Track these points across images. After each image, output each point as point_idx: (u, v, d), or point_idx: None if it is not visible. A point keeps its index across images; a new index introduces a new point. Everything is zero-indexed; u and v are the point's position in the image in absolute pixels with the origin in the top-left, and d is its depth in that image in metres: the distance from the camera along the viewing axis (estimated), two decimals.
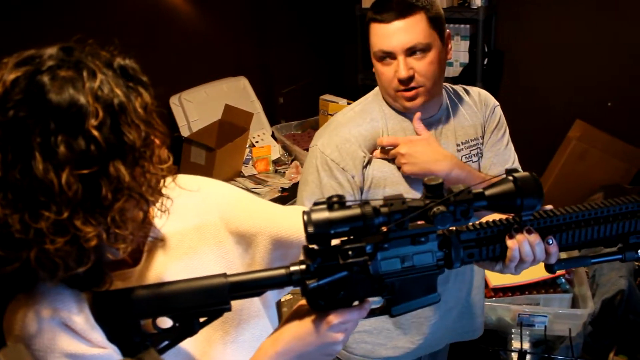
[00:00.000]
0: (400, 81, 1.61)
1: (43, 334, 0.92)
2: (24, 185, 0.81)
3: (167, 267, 1.07)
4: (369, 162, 1.67)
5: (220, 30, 3.63)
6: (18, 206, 0.82)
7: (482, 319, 2.01)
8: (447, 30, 1.70)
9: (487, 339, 2.57)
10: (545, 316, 2.51)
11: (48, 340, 0.92)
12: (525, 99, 3.78)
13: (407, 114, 1.71)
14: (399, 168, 1.66)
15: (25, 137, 0.80)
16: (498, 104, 1.84)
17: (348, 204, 0.90)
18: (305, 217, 0.88)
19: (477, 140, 1.78)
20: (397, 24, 1.57)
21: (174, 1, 3.39)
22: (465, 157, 1.75)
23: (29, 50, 0.87)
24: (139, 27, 3.19)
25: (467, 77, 3.66)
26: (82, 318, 0.94)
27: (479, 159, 1.79)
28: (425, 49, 1.60)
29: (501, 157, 1.81)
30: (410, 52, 1.59)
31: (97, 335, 0.94)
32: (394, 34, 1.58)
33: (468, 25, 3.69)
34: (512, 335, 2.58)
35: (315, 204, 0.90)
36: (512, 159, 1.83)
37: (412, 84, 1.61)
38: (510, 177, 0.98)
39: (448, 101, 1.77)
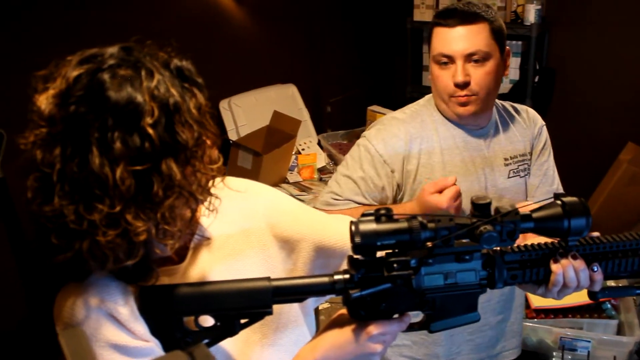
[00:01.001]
0: (456, 85, 1.62)
1: (89, 323, 0.94)
2: (80, 178, 0.84)
3: (211, 267, 1.08)
4: (419, 160, 1.69)
5: (272, 37, 3.68)
6: (74, 198, 0.85)
7: (520, 339, 1.98)
8: (507, 47, 1.71)
9: None
10: (589, 341, 2.45)
11: (93, 329, 0.94)
12: (575, 119, 3.72)
13: (457, 122, 1.72)
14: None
15: (84, 132, 0.83)
16: (544, 124, 1.84)
17: (395, 217, 0.90)
18: (353, 228, 0.89)
19: (525, 156, 1.79)
20: (460, 30, 1.60)
21: (228, 8, 3.45)
22: (513, 172, 1.76)
23: (92, 49, 0.91)
24: (192, 32, 3.25)
25: (517, 94, 3.62)
26: (127, 310, 0.96)
27: (526, 175, 1.79)
28: (484, 58, 1.62)
29: (548, 179, 1.82)
30: (470, 58, 1.61)
31: (141, 327, 0.96)
32: (456, 39, 1.61)
33: (520, 42, 3.66)
34: (553, 359, 2.53)
35: (364, 215, 0.91)
36: (556, 181, 1.84)
37: (466, 91, 1.63)
38: (559, 202, 0.97)
39: (497, 117, 1.78)
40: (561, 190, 1.84)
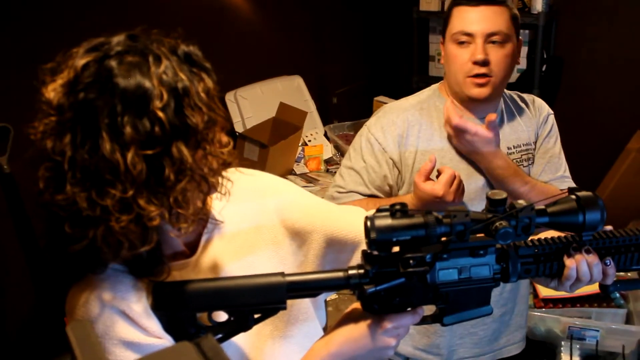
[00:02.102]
0: (476, 63, 1.62)
1: (102, 320, 0.95)
2: (91, 164, 0.84)
3: (222, 260, 1.09)
4: (417, 148, 1.70)
5: (277, 29, 3.67)
6: (86, 184, 0.85)
7: (524, 332, 1.97)
8: (520, 37, 1.72)
9: (535, 351, 2.52)
10: (598, 330, 2.45)
11: (106, 326, 0.95)
12: (583, 108, 3.70)
13: (462, 110, 1.71)
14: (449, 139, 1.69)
15: (94, 118, 0.83)
16: (552, 112, 1.84)
17: (411, 212, 0.90)
18: (369, 223, 0.89)
19: (529, 145, 1.79)
20: (483, 9, 1.62)
21: (233, 1, 3.44)
22: (517, 161, 1.75)
23: (98, 38, 0.91)
24: (198, 23, 3.24)
25: (525, 83, 3.60)
26: (140, 307, 0.97)
27: (530, 164, 1.80)
28: (504, 40, 1.63)
29: (553, 165, 1.81)
30: (489, 39, 1.62)
31: (154, 324, 0.97)
32: (478, 17, 1.62)
33: (527, 31, 3.64)
34: (562, 348, 2.53)
35: (379, 210, 0.90)
36: (563, 168, 1.83)
37: (485, 70, 1.63)
38: (573, 196, 0.97)
39: (503, 106, 1.78)
40: (568, 177, 1.84)
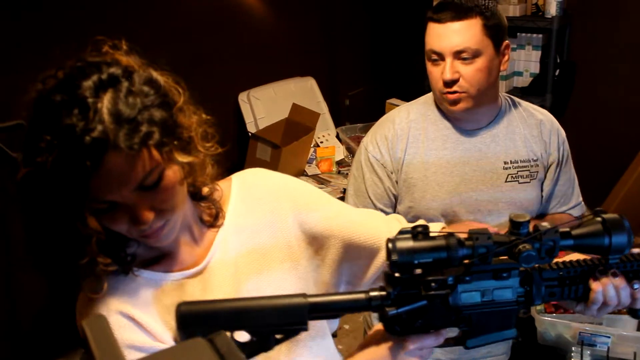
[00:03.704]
0: (445, 83, 1.60)
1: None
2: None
3: (237, 263, 1.09)
4: (403, 161, 1.70)
5: (290, 30, 3.68)
6: None
7: (510, 344, 1.96)
8: (506, 41, 1.67)
9: (545, 356, 2.51)
10: (609, 337, 2.43)
11: (114, 331, 0.96)
12: (596, 112, 3.68)
13: (453, 123, 1.70)
14: None
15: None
16: (565, 138, 1.81)
17: (432, 234, 0.90)
18: (390, 245, 0.89)
19: (528, 162, 1.74)
20: (451, 26, 1.58)
21: (247, 1, 3.45)
22: (512, 177, 1.72)
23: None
24: (212, 25, 3.26)
25: (537, 87, 3.59)
26: (148, 316, 0.99)
27: (525, 182, 1.74)
28: (474, 55, 1.59)
29: (568, 196, 1.82)
30: (459, 55, 1.59)
31: (162, 331, 0.99)
32: (445, 35, 1.59)
33: (540, 35, 3.63)
34: (572, 354, 2.52)
35: (401, 232, 0.90)
36: (576, 193, 1.84)
37: (456, 88, 1.60)
38: (599, 218, 0.95)
39: (508, 116, 1.74)
40: (582, 203, 1.84)
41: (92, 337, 0.63)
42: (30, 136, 0.86)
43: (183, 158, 0.93)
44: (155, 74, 0.94)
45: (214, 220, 1.08)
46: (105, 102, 0.84)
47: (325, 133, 3.60)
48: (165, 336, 0.99)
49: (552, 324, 2.51)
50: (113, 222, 0.91)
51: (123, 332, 0.96)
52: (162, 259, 1.04)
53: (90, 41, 0.93)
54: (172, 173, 0.92)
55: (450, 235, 0.89)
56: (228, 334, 0.98)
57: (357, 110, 4.00)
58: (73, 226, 0.89)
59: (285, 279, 1.12)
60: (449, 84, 1.60)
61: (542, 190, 1.79)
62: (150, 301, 0.99)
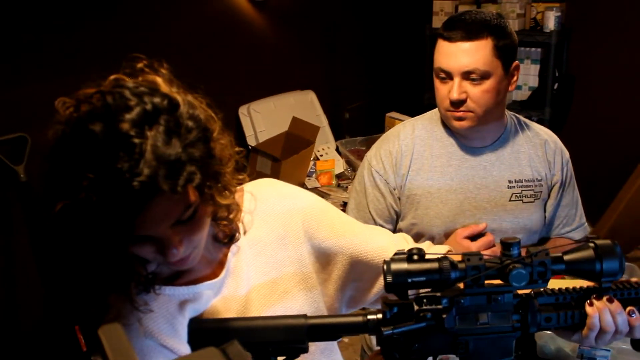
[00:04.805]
0: (451, 103, 1.59)
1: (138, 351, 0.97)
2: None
3: (248, 277, 1.10)
4: (407, 177, 1.70)
5: (291, 44, 3.70)
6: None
7: None
8: (516, 62, 1.66)
9: None
10: (609, 350, 2.42)
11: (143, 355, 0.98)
12: (595, 125, 3.70)
13: (459, 140, 1.70)
14: None
15: None
16: (569, 159, 1.81)
17: (427, 257, 0.92)
18: (385, 267, 0.91)
19: (532, 182, 1.73)
20: (461, 45, 1.56)
21: (247, 15, 3.48)
22: (516, 196, 1.72)
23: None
24: (211, 39, 3.29)
25: (536, 101, 3.61)
26: (175, 340, 1.00)
27: (529, 202, 1.74)
28: (483, 77, 1.57)
29: (571, 217, 1.82)
30: (467, 76, 1.57)
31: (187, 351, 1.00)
32: (455, 55, 1.57)
33: (539, 49, 3.65)
34: None
35: (396, 254, 0.93)
36: (579, 214, 1.83)
37: (462, 108, 1.60)
38: (591, 244, 0.97)
39: (513, 135, 1.74)
40: (585, 224, 1.85)
41: (108, 345, 0.64)
42: (65, 168, 0.83)
43: (222, 200, 0.94)
44: (196, 103, 0.93)
45: (229, 240, 1.07)
46: (150, 141, 0.81)
47: (325, 146, 3.61)
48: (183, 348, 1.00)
49: (551, 337, 2.50)
50: (141, 250, 0.91)
51: (152, 356, 0.98)
52: (180, 274, 1.05)
53: (126, 57, 0.91)
54: (206, 207, 0.93)
55: (445, 258, 0.92)
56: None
57: (357, 124, 4.01)
58: (111, 255, 0.89)
59: (296, 292, 1.13)
60: (456, 104, 1.59)
61: (545, 211, 1.79)
62: (174, 315, 1.00)
